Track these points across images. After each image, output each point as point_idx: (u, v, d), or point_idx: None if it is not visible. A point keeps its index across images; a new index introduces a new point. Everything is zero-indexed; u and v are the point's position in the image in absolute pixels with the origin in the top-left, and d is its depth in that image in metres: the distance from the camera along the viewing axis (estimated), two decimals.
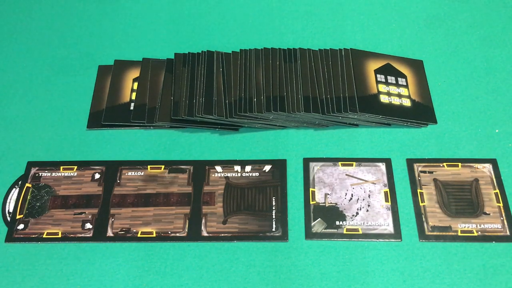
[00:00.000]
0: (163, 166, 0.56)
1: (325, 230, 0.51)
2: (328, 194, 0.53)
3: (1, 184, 0.55)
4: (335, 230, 0.51)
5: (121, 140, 0.58)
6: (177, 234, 0.51)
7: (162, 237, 0.51)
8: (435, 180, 0.54)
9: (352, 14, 0.68)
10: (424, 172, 0.54)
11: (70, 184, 0.55)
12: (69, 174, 0.56)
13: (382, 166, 0.55)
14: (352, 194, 0.53)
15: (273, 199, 0.53)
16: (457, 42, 0.64)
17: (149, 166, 0.56)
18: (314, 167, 0.55)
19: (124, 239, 0.51)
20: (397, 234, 0.50)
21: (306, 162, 0.55)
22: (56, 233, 0.52)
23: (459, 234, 0.50)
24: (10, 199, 0.54)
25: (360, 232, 0.50)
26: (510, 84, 0.60)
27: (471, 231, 0.50)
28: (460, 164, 0.54)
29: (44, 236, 0.52)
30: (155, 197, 0.54)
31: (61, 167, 0.56)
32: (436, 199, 0.52)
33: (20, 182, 0.55)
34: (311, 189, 0.53)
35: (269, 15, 0.68)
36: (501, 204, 0.52)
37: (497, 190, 0.53)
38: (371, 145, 0.56)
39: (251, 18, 0.68)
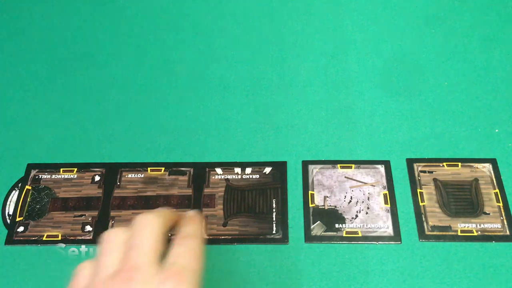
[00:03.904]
0: (163, 168, 0.56)
1: (324, 233, 0.51)
2: (327, 196, 0.53)
3: (1, 186, 0.56)
4: (334, 233, 0.51)
5: (121, 141, 0.58)
6: None
7: None
8: (435, 179, 0.54)
9: (352, 14, 0.68)
10: (424, 171, 0.54)
11: (70, 186, 0.55)
12: (69, 177, 0.56)
13: (381, 168, 0.55)
14: (351, 197, 0.53)
15: (274, 201, 0.53)
16: (457, 42, 0.64)
17: (149, 168, 0.56)
18: (313, 169, 0.55)
19: None
20: (396, 236, 0.50)
21: (305, 164, 0.55)
22: (56, 236, 0.52)
23: (459, 233, 0.50)
24: (10, 201, 0.54)
25: (360, 234, 0.51)
26: (510, 84, 0.60)
27: (471, 231, 0.50)
28: (460, 163, 0.54)
29: (44, 238, 0.52)
30: (155, 199, 0.54)
31: (61, 169, 0.56)
32: (436, 199, 0.52)
33: (20, 184, 0.55)
34: (310, 191, 0.53)
35: (269, 15, 0.68)
36: (501, 204, 0.52)
37: (497, 190, 0.53)
38: (371, 145, 0.56)
39: (251, 17, 0.68)
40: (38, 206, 0.54)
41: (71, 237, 0.52)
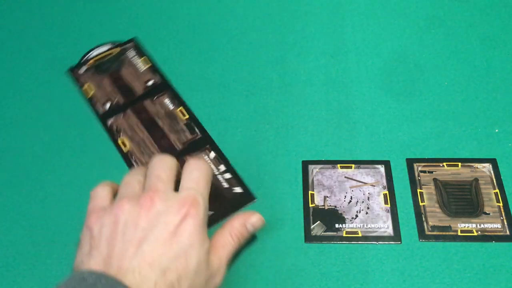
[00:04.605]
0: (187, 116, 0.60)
1: (324, 233, 0.51)
2: (327, 196, 0.53)
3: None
4: (334, 233, 0.51)
5: None
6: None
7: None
8: (435, 179, 0.54)
9: (352, 14, 0.68)
10: (424, 171, 0.54)
11: (133, 72, 0.63)
12: (142, 68, 0.64)
13: (381, 168, 0.55)
14: (351, 197, 0.53)
15: None
16: (457, 42, 0.64)
17: (181, 109, 0.60)
18: (313, 169, 0.55)
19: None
20: (396, 236, 0.50)
21: (305, 164, 0.55)
22: (91, 93, 0.61)
23: (459, 233, 0.50)
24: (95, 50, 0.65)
25: (360, 234, 0.51)
26: (510, 84, 0.60)
27: (471, 231, 0.50)
28: (460, 163, 0.54)
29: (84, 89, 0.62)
30: (158, 132, 0.58)
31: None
32: (436, 199, 0.52)
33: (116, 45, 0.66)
34: (310, 191, 0.53)
35: (268, 14, 0.68)
36: (501, 204, 0.52)
37: (497, 190, 0.53)
38: (371, 145, 0.56)
39: (251, 17, 0.68)
40: (108, 64, 0.63)
41: (97, 100, 0.60)
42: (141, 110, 0.60)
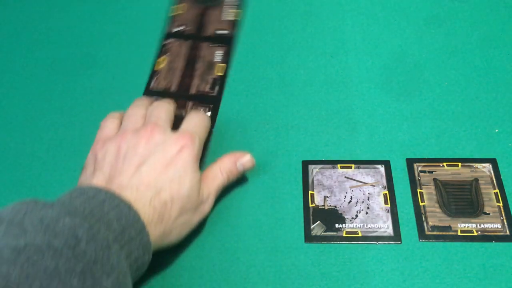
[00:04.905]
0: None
1: (324, 233, 0.51)
2: (328, 196, 0.53)
3: None
4: (334, 233, 0.51)
5: None
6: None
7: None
8: (435, 179, 0.54)
9: (351, 14, 0.68)
10: (424, 171, 0.54)
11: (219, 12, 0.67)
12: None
13: (381, 169, 0.55)
14: (351, 197, 0.53)
15: None
16: (457, 42, 0.64)
17: (223, 66, 0.62)
18: (313, 169, 0.55)
19: None
20: (396, 236, 0.50)
21: (305, 164, 0.55)
22: (176, 12, 0.67)
23: (459, 234, 0.50)
24: None
25: (360, 234, 0.51)
26: (510, 84, 0.60)
27: (471, 231, 0.50)
28: (460, 163, 0.54)
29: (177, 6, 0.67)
30: (191, 69, 0.62)
31: None
32: (436, 199, 0.52)
33: None
34: (310, 191, 0.53)
35: (269, 15, 0.68)
36: (501, 204, 0.52)
37: (497, 190, 0.53)
38: (371, 145, 0.56)
39: (250, 17, 0.68)
40: (209, 1, 0.67)
41: (175, 20, 0.66)
42: (195, 47, 0.63)
